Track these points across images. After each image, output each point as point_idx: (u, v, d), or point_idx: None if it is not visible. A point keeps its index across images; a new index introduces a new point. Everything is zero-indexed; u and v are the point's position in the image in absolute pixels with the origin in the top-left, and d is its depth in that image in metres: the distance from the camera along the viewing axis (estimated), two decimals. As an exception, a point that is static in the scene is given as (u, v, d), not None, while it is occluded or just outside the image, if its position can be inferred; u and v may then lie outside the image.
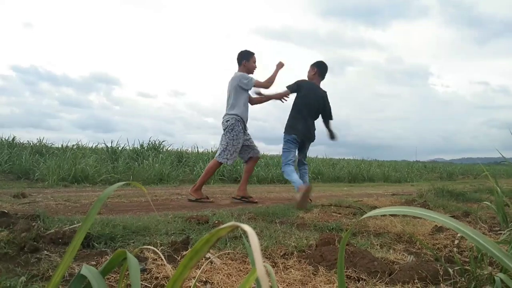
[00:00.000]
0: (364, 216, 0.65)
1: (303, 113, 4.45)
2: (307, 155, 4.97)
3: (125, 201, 4.06)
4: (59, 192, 4.77)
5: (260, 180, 9.27)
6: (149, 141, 10.44)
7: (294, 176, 4.26)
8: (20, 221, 2.21)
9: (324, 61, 4.71)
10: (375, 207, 4.21)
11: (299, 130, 4.44)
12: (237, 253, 2.13)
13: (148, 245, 2.16)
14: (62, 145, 9.78)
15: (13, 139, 9.47)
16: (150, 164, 8.45)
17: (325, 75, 4.70)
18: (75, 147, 9.82)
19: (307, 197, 3.96)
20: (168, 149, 10.66)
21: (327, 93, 4.63)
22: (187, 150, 11.16)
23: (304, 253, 2.15)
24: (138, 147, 10.15)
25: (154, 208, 3.63)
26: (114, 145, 9.83)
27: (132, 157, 9.25)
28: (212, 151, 10.96)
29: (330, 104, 4.64)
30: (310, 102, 4.45)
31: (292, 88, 4.52)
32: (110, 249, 2.05)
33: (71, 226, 2.18)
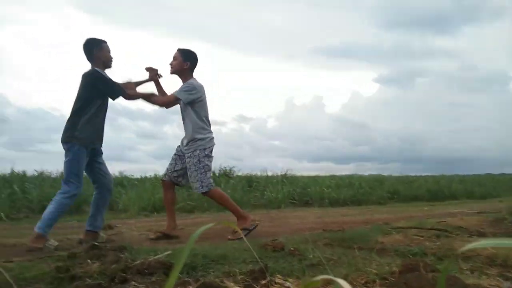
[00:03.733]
0: (467, 248, 0.61)
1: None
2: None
3: (201, 229, 4.18)
4: (140, 222, 5.05)
5: (332, 202, 9.07)
6: (220, 167, 10.74)
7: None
8: (110, 253, 2.37)
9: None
10: (460, 228, 3.92)
11: None
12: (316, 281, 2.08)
13: (227, 274, 2.20)
14: (141, 176, 10.40)
15: (98, 172, 10.24)
16: (223, 190, 8.64)
17: None
18: (152, 177, 10.38)
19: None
20: (239, 174, 10.88)
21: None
22: (257, 174, 11.30)
23: (387, 281, 2.05)
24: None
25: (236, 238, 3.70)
26: (188, 173, 10.23)
27: (205, 184, 9.54)
28: (281, 174, 11.00)
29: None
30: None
31: None
32: (192, 278, 2.11)
33: (156, 257, 2.29)
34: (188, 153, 3.78)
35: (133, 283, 2.03)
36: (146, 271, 2.17)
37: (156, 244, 3.13)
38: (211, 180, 3.87)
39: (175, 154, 3.97)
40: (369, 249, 2.89)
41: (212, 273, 2.22)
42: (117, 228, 4.29)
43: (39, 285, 2.01)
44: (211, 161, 3.87)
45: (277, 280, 2.13)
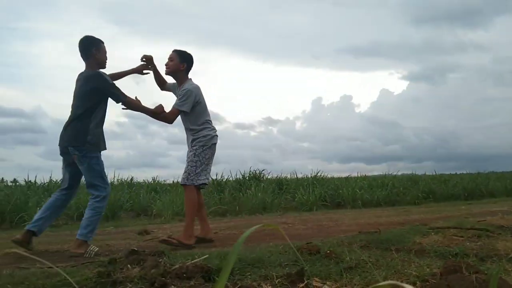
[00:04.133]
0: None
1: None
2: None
3: (236, 233, 4.22)
4: (176, 227, 5.13)
5: (365, 203, 8.93)
6: (250, 171, 10.80)
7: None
8: (149, 258, 2.42)
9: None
10: (502, 227, 3.77)
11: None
12: (355, 284, 2.06)
13: (264, 277, 2.21)
14: (173, 181, 10.59)
15: (131, 179, 10.52)
16: (253, 193, 8.68)
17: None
18: (184, 182, 10.53)
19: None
20: (268, 177, 10.90)
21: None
22: (286, 176, 11.28)
23: (427, 283, 2.00)
24: (241, 177, 10.54)
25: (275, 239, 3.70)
26: (218, 177, 10.35)
27: (236, 187, 9.61)
28: (311, 176, 10.94)
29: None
30: None
31: None
32: (229, 282, 2.13)
33: (193, 261, 2.32)
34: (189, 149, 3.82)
35: (173, 287, 2.06)
36: (184, 275, 2.20)
37: (193, 249, 3.17)
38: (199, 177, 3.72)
39: None
40: (407, 250, 2.83)
41: (249, 276, 2.23)
42: (153, 233, 4.38)
43: (83, 290, 2.07)
44: (207, 157, 3.78)
45: (314, 284, 2.12)
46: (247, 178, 10.48)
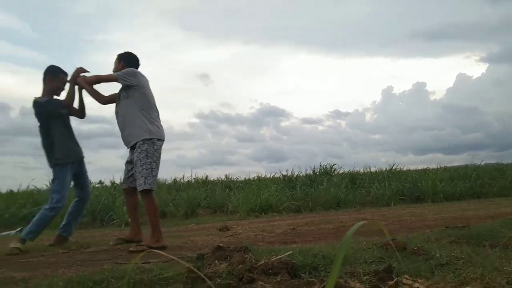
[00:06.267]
0: None
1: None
2: None
3: (314, 229, 4.21)
4: (253, 223, 5.25)
5: (447, 197, 8.42)
6: (320, 165, 10.68)
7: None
8: (234, 253, 2.49)
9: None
10: None
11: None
12: (448, 282, 1.96)
13: (350, 274, 2.18)
14: (245, 178, 10.82)
15: (206, 177, 10.90)
16: (325, 188, 8.57)
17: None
18: (255, 179, 10.71)
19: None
20: (340, 172, 10.70)
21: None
22: (359, 171, 10.99)
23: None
24: (311, 172, 10.46)
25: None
26: (288, 173, 10.37)
27: (307, 183, 9.56)
28: (386, 169, 10.55)
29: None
30: None
31: None
32: (316, 278, 2.13)
33: (277, 257, 2.35)
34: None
35: (260, 283, 2.10)
36: (270, 271, 2.23)
37: (274, 244, 3.22)
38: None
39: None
40: (503, 246, 2.63)
41: (334, 273, 2.21)
42: (233, 229, 4.51)
43: (177, 285, 2.19)
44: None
45: (404, 281, 2.05)
46: (317, 173, 10.38)
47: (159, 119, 3.67)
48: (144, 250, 3.34)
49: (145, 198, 3.43)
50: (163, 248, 3.39)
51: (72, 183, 3.83)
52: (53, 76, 3.81)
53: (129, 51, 3.87)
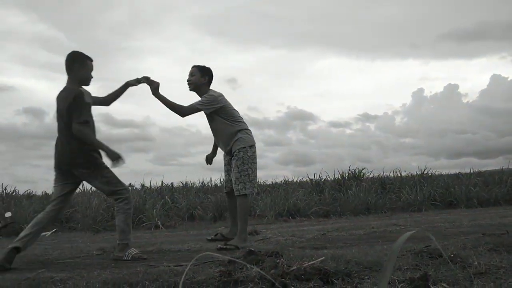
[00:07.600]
0: None
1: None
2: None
3: (344, 234, 4.15)
4: (282, 227, 5.24)
5: (481, 202, 8.14)
6: (349, 170, 10.53)
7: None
8: (266, 258, 2.49)
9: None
10: None
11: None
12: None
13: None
14: (272, 181, 10.79)
15: (234, 181, 10.92)
16: (355, 193, 8.46)
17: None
18: (283, 182, 10.68)
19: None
20: (369, 176, 10.52)
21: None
22: (389, 175, 10.77)
23: None
24: (339, 177, 10.33)
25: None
26: (316, 177, 10.28)
27: (335, 187, 9.45)
28: (417, 173, 10.30)
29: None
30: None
31: None
32: (349, 285, 2.10)
33: (310, 263, 2.33)
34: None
35: (292, 288, 2.10)
36: (302, 276, 2.22)
37: (304, 249, 3.19)
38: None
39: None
40: (547, 255, 2.51)
41: (367, 280, 2.17)
42: (262, 234, 4.51)
43: (209, 288, 2.21)
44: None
45: (441, 290, 2.00)
46: (346, 177, 10.25)
47: (246, 125, 3.95)
48: (231, 248, 3.63)
49: (241, 201, 3.75)
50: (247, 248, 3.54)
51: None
52: (82, 64, 3.34)
53: (207, 66, 3.95)
